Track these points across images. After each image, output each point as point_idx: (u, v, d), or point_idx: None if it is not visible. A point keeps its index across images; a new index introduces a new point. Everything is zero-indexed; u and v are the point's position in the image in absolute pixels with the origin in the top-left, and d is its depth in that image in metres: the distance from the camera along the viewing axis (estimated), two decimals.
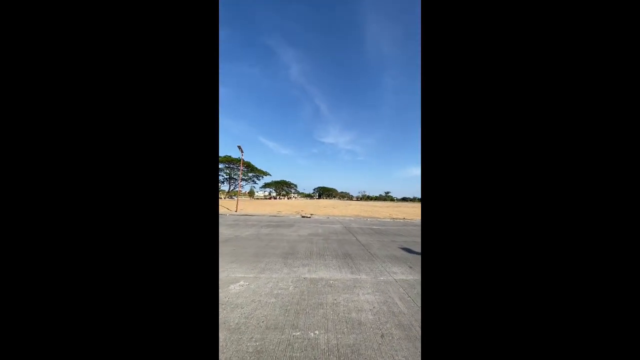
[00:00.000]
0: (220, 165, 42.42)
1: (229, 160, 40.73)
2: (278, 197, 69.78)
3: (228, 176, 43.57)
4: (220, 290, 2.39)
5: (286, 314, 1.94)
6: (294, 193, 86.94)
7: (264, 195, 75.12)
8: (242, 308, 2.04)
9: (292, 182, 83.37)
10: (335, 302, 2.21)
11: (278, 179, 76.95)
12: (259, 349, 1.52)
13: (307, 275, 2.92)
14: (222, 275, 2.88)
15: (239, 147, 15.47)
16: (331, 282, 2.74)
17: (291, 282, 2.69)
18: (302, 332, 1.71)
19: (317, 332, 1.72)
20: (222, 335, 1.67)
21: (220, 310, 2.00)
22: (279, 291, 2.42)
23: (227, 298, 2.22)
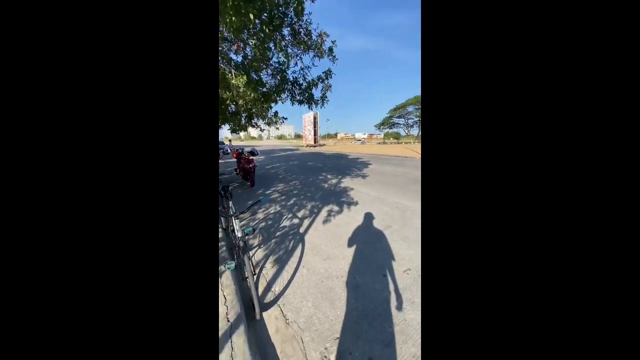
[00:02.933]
0: (410, 109, 40.82)
1: (419, 100, 37.39)
2: None
3: (418, 118, 41.17)
4: (414, 221, 2.82)
5: None
6: None
7: None
8: None
9: None
10: None
11: None
12: None
13: None
14: (416, 208, 3.30)
15: None
16: None
17: None
18: None
19: None
20: None
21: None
22: None
23: None
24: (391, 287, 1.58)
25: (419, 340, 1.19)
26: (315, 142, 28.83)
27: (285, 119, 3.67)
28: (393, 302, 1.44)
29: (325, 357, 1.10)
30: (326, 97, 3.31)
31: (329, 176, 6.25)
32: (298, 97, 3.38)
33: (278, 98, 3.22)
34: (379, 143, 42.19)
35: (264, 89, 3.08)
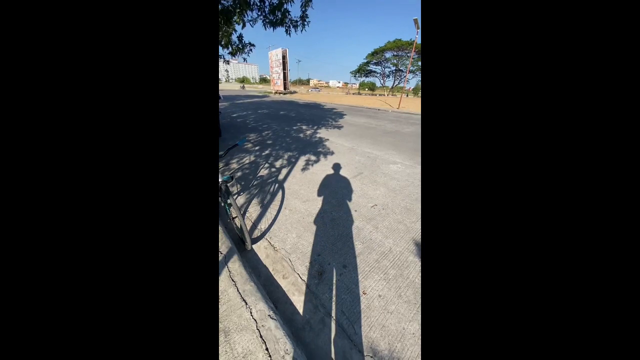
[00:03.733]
0: (387, 55, 37.70)
1: (398, 45, 34.28)
2: None
3: (395, 68, 38.94)
4: (382, 167, 3.14)
5: None
6: None
7: None
8: (396, 180, 2.65)
9: None
10: None
11: None
12: None
13: None
14: (385, 157, 3.61)
15: (415, 21, 11.98)
16: None
17: None
18: None
19: None
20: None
21: (382, 176, 2.77)
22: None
23: (388, 171, 2.95)
24: (361, 218, 1.91)
25: (380, 250, 1.57)
26: (285, 88, 25.39)
27: (253, 45, 3.03)
28: (362, 228, 1.78)
29: (309, 268, 1.39)
30: (307, 16, 2.56)
31: (304, 127, 6.02)
32: (270, 17, 2.55)
33: (244, 16, 2.39)
34: (354, 93, 40.24)
35: (221, 3, 2.34)
